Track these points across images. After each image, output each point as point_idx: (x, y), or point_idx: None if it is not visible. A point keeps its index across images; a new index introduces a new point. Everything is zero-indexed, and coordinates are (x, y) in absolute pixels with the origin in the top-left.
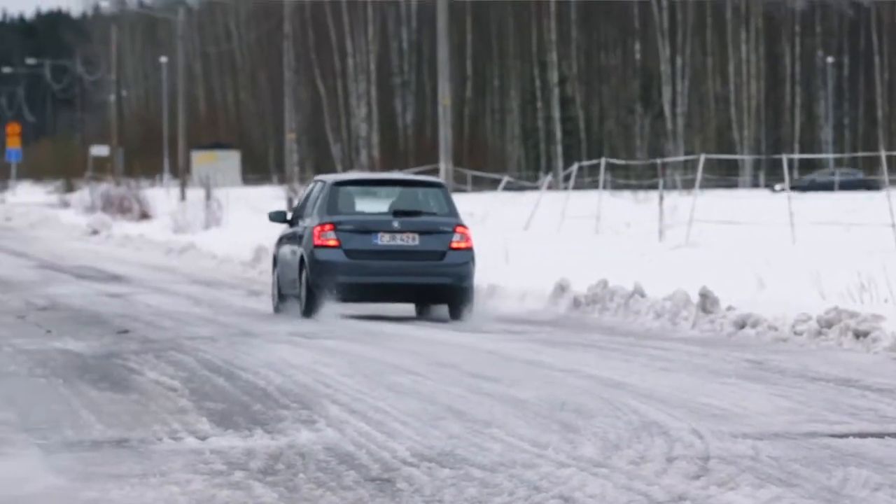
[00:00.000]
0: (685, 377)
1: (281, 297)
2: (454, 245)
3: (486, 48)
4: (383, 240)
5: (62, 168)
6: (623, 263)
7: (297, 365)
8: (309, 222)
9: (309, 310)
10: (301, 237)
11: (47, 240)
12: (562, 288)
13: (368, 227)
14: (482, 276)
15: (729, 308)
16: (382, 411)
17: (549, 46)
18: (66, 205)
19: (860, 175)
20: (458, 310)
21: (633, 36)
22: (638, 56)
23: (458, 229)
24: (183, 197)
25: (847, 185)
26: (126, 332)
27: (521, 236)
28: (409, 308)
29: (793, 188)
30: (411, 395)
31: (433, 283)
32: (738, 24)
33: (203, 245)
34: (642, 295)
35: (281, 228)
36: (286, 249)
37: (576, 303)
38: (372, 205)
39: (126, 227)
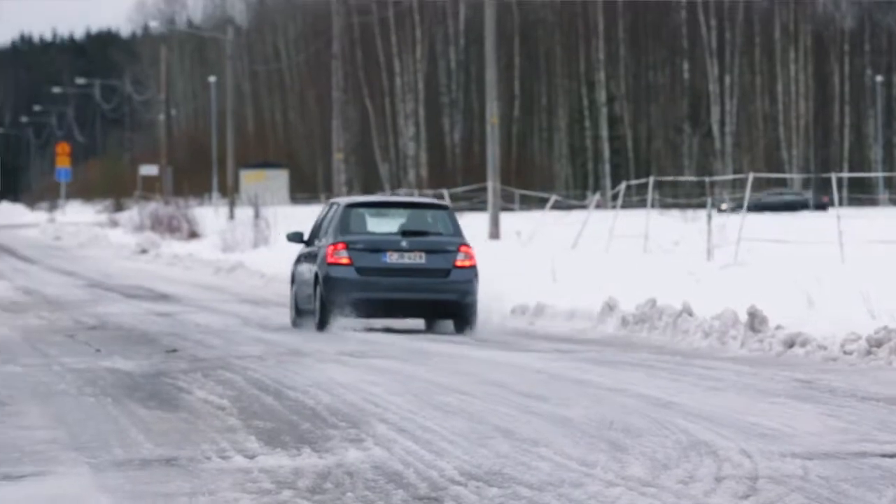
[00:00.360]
0: (734, 396)
1: (298, 312)
2: (459, 263)
3: (534, 67)
4: (392, 258)
5: (111, 187)
6: (671, 282)
7: (345, 384)
8: (323, 242)
9: (322, 324)
10: (316, 256)
11: (96, 259)
12: (610, 307)
13: (378, 247)
14: (530, 294)
15: (778, 327)
16: (430, 430)
17: (598, 66)
18: (115, 224)
19: (807, 195)
20: (462, 324)
21: (682, 55)
22: (686, 75)
23: (463, 248)
24: (231, 216)
25: (792, 206)
26: (175, 350)
27: (569, 255)
28: (419, 322)
29: (738, 208)
30: (459, 415)
31: (439, 299)
32: (786, 44)
33: (251, 264)
34: (690, 314)
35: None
36: (303, 267)
37: (624, 322)
38: (382, 225)
39: (175, 246)
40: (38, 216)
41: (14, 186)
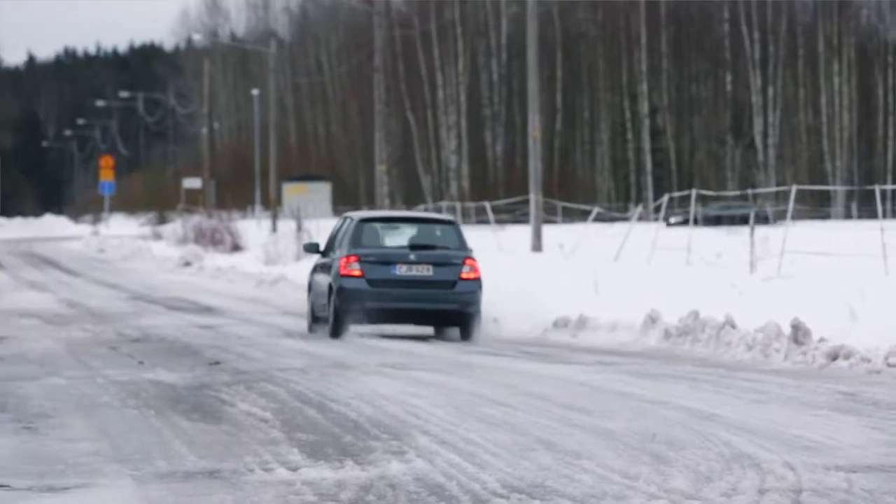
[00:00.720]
0: (777, 409)
1: (314, 319)
2: (464, 275)
3: (576, 80)
4: (401, 270)
5: (155, 200)
6: (714, 295)
7: (387, 396)
8: (337, 254)
9: (335, 331)
10: (330, 267)
11: (140, 271)
12: (652, 319)
13: (388, 259)
14: (572, 307)
15: (821, 340)
16: (473, 442)
17: (640, 78)
18: (158, 237)
19: (754, 209)
20: (467, 332)
21: (724, 67)
22: (729, 87)
23: (468, 261)
24: (274, 228)
25: (743, 219)
26: (217, 363)
27: (612, 267)
28: (427, 330)
29: (687, 221)
30: (502, 427)
31: (445, 309)
32: (830, 56)
33: (294, 276)
34: (733, 326)
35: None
36: (319, 277)
37: (666, 334)
38: (392, 239)
39: (218, 259)
40: (81, 229)
41: (58, 199)
